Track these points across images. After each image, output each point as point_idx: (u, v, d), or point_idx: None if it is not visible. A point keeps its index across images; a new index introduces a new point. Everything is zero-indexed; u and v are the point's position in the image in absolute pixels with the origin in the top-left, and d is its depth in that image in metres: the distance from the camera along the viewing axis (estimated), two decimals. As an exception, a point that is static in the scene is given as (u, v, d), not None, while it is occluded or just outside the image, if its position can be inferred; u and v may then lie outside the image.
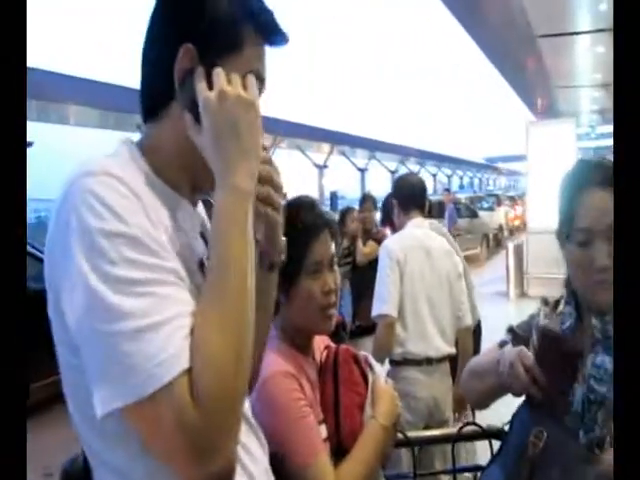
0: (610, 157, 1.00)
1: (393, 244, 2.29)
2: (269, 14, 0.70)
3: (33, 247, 4.05)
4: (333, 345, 1.18)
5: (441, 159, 30.24)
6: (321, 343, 1.19)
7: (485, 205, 15.05)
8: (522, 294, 7.86)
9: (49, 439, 3.38)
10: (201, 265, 0.69)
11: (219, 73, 0.65)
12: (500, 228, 14.56)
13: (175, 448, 0.55)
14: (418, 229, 2.33)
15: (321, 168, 19.51)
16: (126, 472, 0.62)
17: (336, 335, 1.22)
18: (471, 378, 1.19)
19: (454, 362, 2.27)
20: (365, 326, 3.38)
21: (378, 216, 4.22)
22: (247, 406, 0.78)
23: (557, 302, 1.13)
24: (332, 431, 1.07)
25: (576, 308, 1.07)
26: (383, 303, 2.19)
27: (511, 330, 1.20)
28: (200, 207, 0.79)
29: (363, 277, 3.65)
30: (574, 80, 16.69)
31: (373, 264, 3.67)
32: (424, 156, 27.93)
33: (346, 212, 4.27)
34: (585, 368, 1.02)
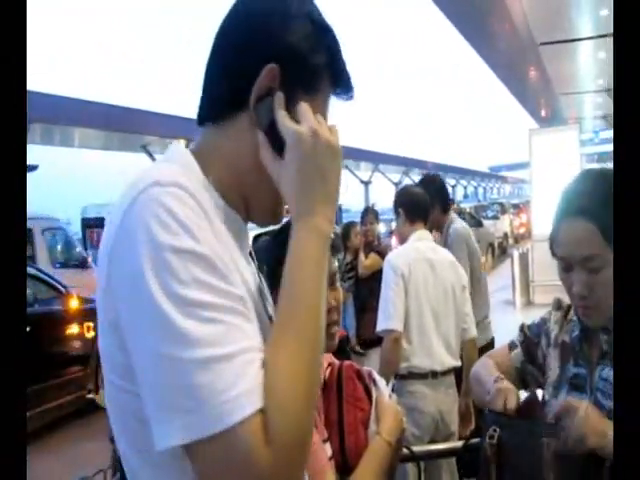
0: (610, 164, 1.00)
1: (397, 258, 2.30)
2: (347, 69, 0.70)
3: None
4: (336, 362, 1.18)
5: (445, 169, 30.28)
6: (324, 360, 1.17)
7: (490, 214, 15.01)
8: (528, 302, 7.80)
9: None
10: (260, 293, 0.67)
11: (308, 109, 0.64)
12: (505, 236, 14.51)
13: None
14: (421, 242, 2.33)
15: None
16: None
17: (340, 351, 1.21)
18: (476, 385, 1.20)
19: (460, 374, 2.26)
20: (369, 339, 3.37)
21: (381, 228, 4.34)
22: None
23: (569, 307, 1.13)
24: (336, 449, 1.06)
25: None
26: (388, 318, 2.19)
27: (522, 330, 1.21)
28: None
29: (366, 290, 3.68)
30: (577, 86, 16.74)
31: (376, 276, 3.72)
32: (428, 167, 27.98)
33: (349, 227, 4.33)
34: (593, 380, 1.02)
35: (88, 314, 4.75)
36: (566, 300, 1.14)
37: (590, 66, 14.38)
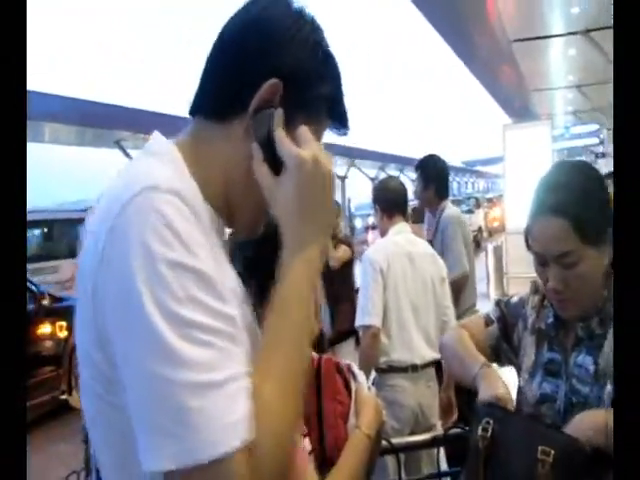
0: (582, 157, 1.02)
1: (375, 253, 2.30)
2: (345, 104, 0.70)
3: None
4: (315, 355, 1.16)
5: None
6: None
7: (464, 208, 15.24)
8: (503, 294, 7.94)
9: None
10: (245, 298, 0.66)
11: (310, 134, 0.63)
12: (480, 230, 14.75)
13: None
14: (400, 235, 2.34)
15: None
16: None
17: (317, 345, 1.20)
18: (455, 362, 1.20)
19: (441, 366, 2.27)
20: (343, 331, 3.40)
21: (357, 223, 4.39)
22: None
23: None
24: (316, 443, 1.05)
25: None
26: (367, 314, 2.20)
27: (498, 305, 1.21)
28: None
29: (339, 280, 3.73)
30: (548, 83, 17.04)
31: (345, 267, 3.79)
32: (404, 162, 28.17)
33: None
34: (568, 367, 1.04)
35: (60, 313, 4.65)
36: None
37: (561, 63, 14.66)
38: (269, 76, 0.62)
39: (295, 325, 0.59)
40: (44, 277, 6.38)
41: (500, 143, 7.98)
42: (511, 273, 7.75)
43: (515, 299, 1.20)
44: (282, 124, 0.62)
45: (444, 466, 2.08)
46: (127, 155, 8.82)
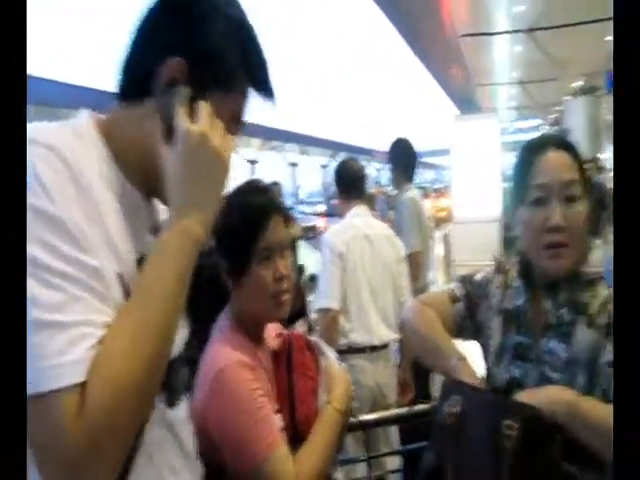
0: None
1: (334, 237, 2.31)
2: (264, 67, 0.71)
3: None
4: (286, 332, 1.17)
5: (371, 154, 30.87)
6: (272, 331, 1.17)
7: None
8: (450, 281, 8.22)
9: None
10: (140, 261, 0.66)
11: (205, 109, 0.64)
12: (428, 219, 15.09)
13: (44, 459, 0.52)
14: (358, 218, 2.35)
15: (252, 163, 19.34)
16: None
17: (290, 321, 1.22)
18: (425, 346, 1.16)
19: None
20: (292, 313, 3.42)
21: (306, 209, 4.37)
22: (187, 434, 0.76)
23: (509, 271, 1.12)
24: (287, 419, 1.06)
25: (528, 283, 1.07)
26: (326, 297, 2.22)
27: (463, 282, 1.18)
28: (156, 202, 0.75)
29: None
30: (493, 78, 17.60)
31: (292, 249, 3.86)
32: (355, 151, 28.37)
33: None
34: (538, 352, 1.03)
35: None
36: (505, 263, 1.14)
37: (506, 59, 15.16)
38: (175, 54, 0.64)
39: (161, 289, 0.60)
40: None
41: (447, 135, 8.18)
42: (457, 261, 8.03)
43: (479, 277, 1.17)
44: (185, 100, 0.64)
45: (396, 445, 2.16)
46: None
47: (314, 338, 1.22)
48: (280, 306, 1.08)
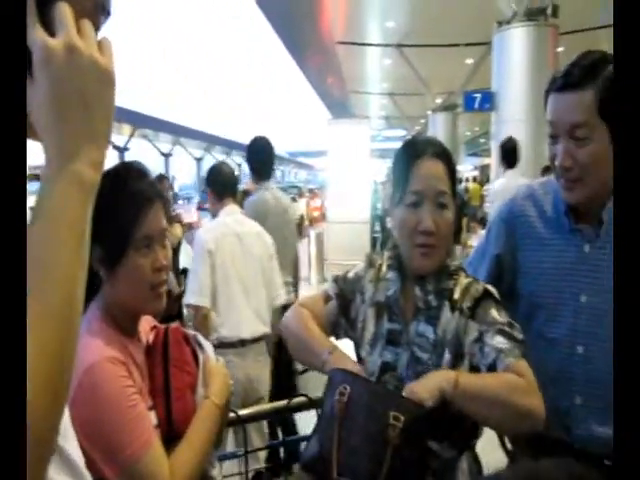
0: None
1: (205, 234, 2.36)
2: None
3: None
4: (161, 325, 1.12)
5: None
6: (146, 324, 1.12)
7: (289, 196, 15.77)
8: (323, 280, 8.51)
9: None
10: None
11: (66, 13, 0.49)
12: (302, 218, 15.45)
13: None
14: (230, 216, 2.41)
15: (121, 151, 18.14)
16: None
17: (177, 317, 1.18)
18: (300, 347, 1.18)
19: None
20: (170, 313, 3.40)
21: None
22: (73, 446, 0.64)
23: (381, 265, 1.19)
24: (163, 416, 1.01)
25: (400, 275, 1.15)
26: (196, 294, 2.26)
27: (336, 282, 1.23)
28: None
29: (177, 257, 3.85)
30: (365, 87, 18.55)
31: (177, 247, 3.90)
32: (230, 145, 27.98)
33: None
34: (409, 335, 1.11)
35: None
36: (377, 258, 1.21)
37: (377, 70, 16.07)
38: None
39: (60, 263, 0.48)
40: None
41: (322, 137, 8.46)
42: (330, 259, 8.33)
43: (351, 274, 1.22)
44: (35, 8, 0.49)
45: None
46: None
47: (192, 332, 1.18)
48: (158, 298, 1.03)
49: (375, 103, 21.83)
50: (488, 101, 7.45)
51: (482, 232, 1.37)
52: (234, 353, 2.27)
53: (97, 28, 0.53)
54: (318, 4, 10.77)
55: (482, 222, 9.66)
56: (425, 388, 0.96)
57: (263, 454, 1.99)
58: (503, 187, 4.12)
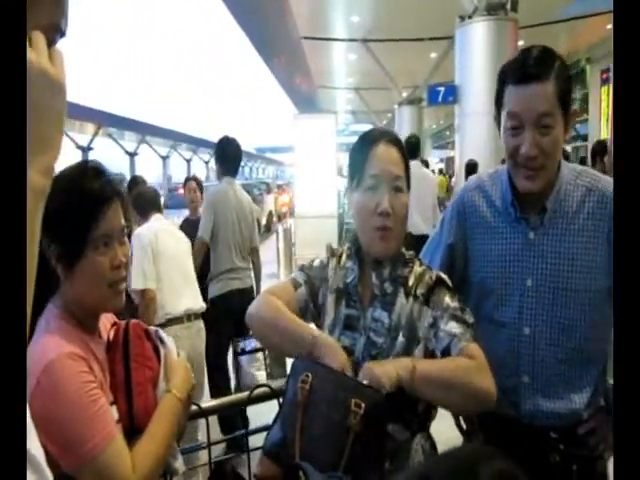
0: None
1: (145, 230, 2.79)
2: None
3: None
4: (121, 321, 1.12)
5: (213, 146, 30.47)
6: (106, 320, 1.13)
7: (256, 192, 15.71)
8: (291, 274, 8.53)
9: None
10: None
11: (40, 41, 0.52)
12: (270, 214, 15.39)
13: None
14: (158, 221, 2.91)
15: (85, 150, 17.68)
16: None
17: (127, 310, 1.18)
18: (277, 332, 1.15)
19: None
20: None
21: None
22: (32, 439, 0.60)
23: (341, 254, 1.23)
24: (124, 411, 1.03)
25: (358, 263, 1.19)
26: (142, 278, 2.62)
27: (303, 270, 1.25)
28: None
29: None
30: (332, 81, 18.58)
31: None
32: (197, 143, 27.62)
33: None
34: (365, 321, 1.14)
35: None
36: (338, 248, 1.25)
37: (343, 65, 16.12)
38: None
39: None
40: None
41: (289, 133, 8.43)
42: (298, 255, 8.34)
43: (317, 262, 1.25)
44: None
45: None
46: None
47: (153, 327, 1.19)
48: (116, 296, 1.04)
49: (342, 98, 21.91)
50: (451, 94, 7.59)
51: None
52: (180, 328, 2.70)
53: (50, 44, 0.55)
54: (284, 1, 10.73)
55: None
56: (385, 373, 1.00)
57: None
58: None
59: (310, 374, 1.03)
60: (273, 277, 8.53)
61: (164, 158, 24.36)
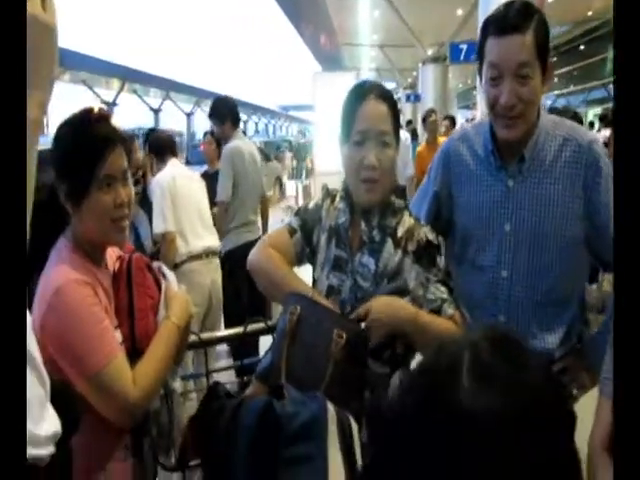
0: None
1: (163, 176, 2.93)
2: None
3: None
4: (126, 255, 1.22)
5: (238, 104, 30.13)
6: (113, 254, 1.22)
7: (278, 150, 15.63)
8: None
9: None
10: None
11: None
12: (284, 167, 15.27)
13: None
14: (176, 167, 3.04)
15: (110, 106, 17.76)
16: None
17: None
18: (268, 286, 1.27)
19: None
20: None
21: None
22: (32, 343, 0.73)
23: (335, 195, 1.29)
24: (127, 334, 1.12)
25: (349, 206, 1.25)
26: (163, 222, 2.80)
27: (298, 214, 1.31)
28: None
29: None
30: (356, 39, 18.05)
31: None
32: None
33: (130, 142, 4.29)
34: (353, 264, 1.21)
35: None
36: (333, 190, 1.31)
37: (367, 22, 15.61)
38: None
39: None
40: None
41: (311, 90, 8.34)
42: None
43: (311, 205, 1.31)
44: None
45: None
46: None
47: (156, 263, 1.28)
48: (119, 231, 1.13)
49: (366, 56, 21.30)
50: (474, 52, 7.37)
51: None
52: (200, 264, 2.89)
53: None
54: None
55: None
56: (390, 320, 1.10)
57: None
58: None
59: (299, 307, 1.11)
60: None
61: (188, 115, 24.31)
